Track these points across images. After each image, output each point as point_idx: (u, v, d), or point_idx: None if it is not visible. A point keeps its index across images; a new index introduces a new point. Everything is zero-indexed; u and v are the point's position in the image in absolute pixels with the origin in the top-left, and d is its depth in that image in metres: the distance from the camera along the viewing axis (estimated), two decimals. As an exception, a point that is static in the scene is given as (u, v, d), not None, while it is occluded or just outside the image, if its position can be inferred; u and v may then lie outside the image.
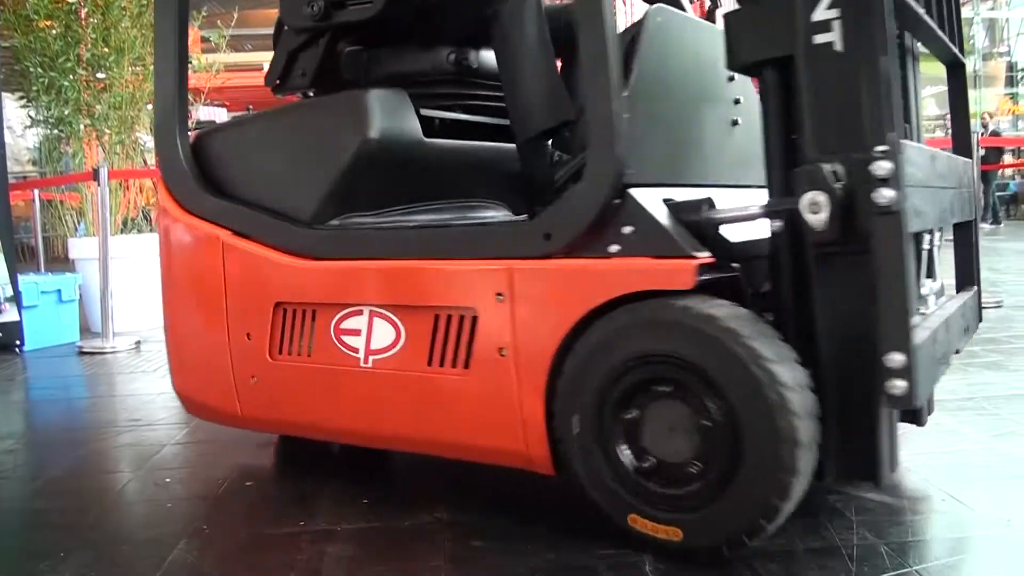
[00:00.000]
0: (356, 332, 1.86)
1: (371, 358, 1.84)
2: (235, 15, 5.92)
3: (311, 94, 2.15)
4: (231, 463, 2.23)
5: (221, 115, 7.72)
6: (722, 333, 1.41)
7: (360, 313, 1.85)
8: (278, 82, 2.17)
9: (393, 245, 1.81)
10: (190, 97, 4.68)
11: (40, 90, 4.97)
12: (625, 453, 1.52)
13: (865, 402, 1.42)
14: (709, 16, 2.59)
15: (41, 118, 5.24)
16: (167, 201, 2.16)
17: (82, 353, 4.28)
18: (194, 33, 6.15)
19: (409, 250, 1.78)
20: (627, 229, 1.54)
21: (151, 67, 4.49)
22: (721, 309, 1.45)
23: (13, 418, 3.05)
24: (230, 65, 5.89)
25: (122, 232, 5.00)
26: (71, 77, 4.91)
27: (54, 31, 4.87)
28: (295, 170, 1.98)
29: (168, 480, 2.11)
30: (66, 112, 5.02)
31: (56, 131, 5.22)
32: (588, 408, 1.54)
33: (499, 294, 1.64)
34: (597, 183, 1.54)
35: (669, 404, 1.48)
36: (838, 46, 1.38)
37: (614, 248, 1.55)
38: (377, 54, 2.08)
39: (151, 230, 5.02)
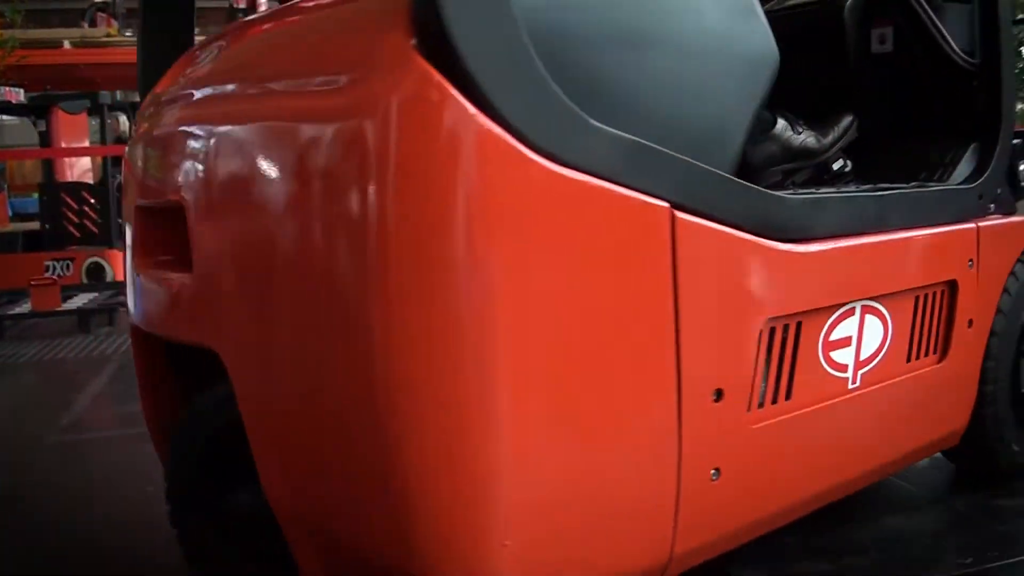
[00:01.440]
0: (846, 342, 1.26)
1: (859, 373, 1.30)
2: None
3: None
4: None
5: (19, 97, 5.67)
6: None
7: (852, 314, 1.27)
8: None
9: (869, 215, 1.31)
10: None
11: None
12: None
13: None
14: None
15: None
16: (500, 141, 0.86)
17: None
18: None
19: (886, 220, 1.34)
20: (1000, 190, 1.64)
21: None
22: None
23: None
24: (29, 42, 5.20)
25: None
26: None
27: None
28: (697, 98, 1.13)
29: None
30: None
31: None
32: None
33: (971, 260, 1.48)
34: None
35: None
36: None
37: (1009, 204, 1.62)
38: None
39: None
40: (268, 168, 0.94)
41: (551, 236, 0.91)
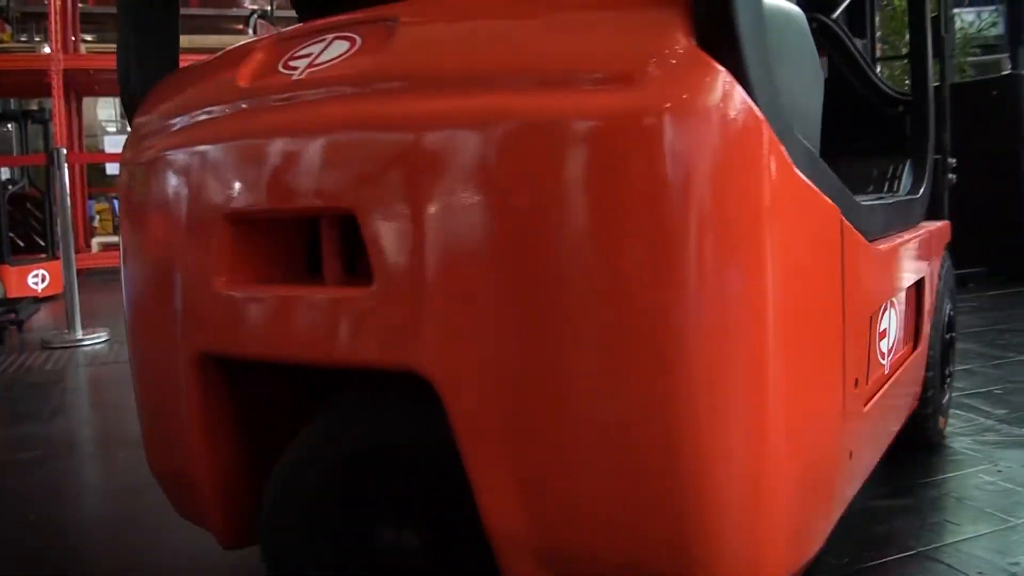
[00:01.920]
0: (884, 334, 1.41)
1: (888, 361, 1.45)
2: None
3: None
4: None
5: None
6: None
7: (887, 308, 1.42)
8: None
9: (890, 219, 1.48)
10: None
11: None
12: None
13: None
14: None
15: None
16: (774, 141, 0.89)
17: None
18: None
19: (892, 226, 1.51)
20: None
21: None
22: None
23: None
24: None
25: None
26: None
27: None
28: (806, 112, 1.23)
29: None
30: None
31: None
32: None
33: (928, 259, 1.70)
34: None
35: None
36: None
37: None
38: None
39: None
40: (514, 172, 0.89)
41: (796, 237, 0.95)
